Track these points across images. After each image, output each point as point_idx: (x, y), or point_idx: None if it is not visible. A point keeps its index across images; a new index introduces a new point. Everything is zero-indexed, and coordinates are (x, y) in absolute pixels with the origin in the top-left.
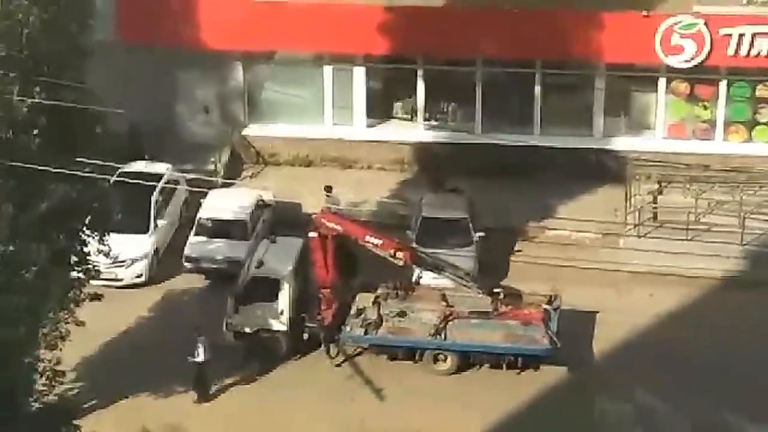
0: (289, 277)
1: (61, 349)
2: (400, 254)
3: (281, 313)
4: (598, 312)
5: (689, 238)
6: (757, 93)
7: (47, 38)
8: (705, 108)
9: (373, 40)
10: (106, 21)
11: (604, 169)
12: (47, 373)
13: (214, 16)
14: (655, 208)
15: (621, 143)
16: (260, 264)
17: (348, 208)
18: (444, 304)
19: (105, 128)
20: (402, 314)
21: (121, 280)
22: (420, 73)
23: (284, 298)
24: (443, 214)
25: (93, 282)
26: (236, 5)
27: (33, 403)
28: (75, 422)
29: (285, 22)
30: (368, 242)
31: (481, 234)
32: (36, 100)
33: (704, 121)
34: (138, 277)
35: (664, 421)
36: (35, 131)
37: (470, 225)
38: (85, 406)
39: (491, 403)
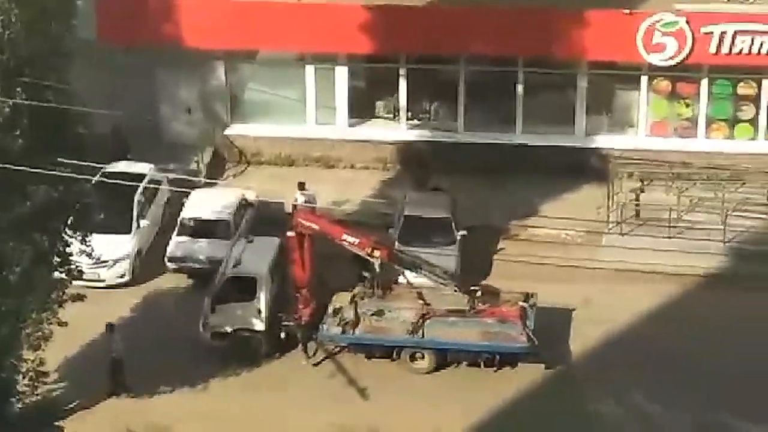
0: (267, 276)
1: (43, 350)
2: (377, 253)
3: (259, 312)
4: (574, 309)
5: (672, 235)
6: (739, 91)
7: (29, 39)
8: (687, 106)
9: (356, 39)
10: (90, 20)
11: (587, 168)
12: (30, 374)
13: (195, 16)
14: (637, 205)
15: (603, 141)
16: (237, 263)
17: (328, 207)
18: (421, 302)
19: (87, 128)
20: (379, 313)
21: (103, 280)
22: (402, 72)
23: (262, 297)
24: (426, 213)
25: (75, 282)
26: (218, 4)
27: (15, 404)
28: (57, 423)
29: (267, 22)
30: (345, 241)
31: (464, 233)
32: (18, 101)
33: (686, 119)
34: (121, 277)
35: (649, 419)
36: (17, 132)
37: (453, 224)
38: (68, 407)
39: (472, 400)
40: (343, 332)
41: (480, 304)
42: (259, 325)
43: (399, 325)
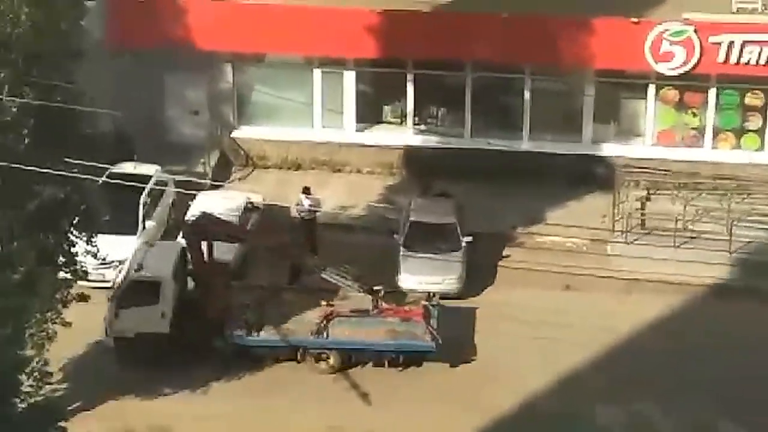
0: (170, 279)
1: (47, 350)
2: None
3: (162, 315)
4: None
5: (677, 245)
6: (746, 101)
7: (37, 38)
8: (694, 115)
9: (364, 44)
10: (99, 21)
11: (593, 176)
12: (35, 374)
13: (203, 18)
14: (643, 214)
15: (610, 149)
16: (140, 267)
17: (334, 211)
18: (325, 302)
19: (94, 129)
20: (284, 314)
21: (108, 281)
22: (410, 77)
23: (165, 300)
24: (431, 219)
25: (80, 283)
26: (226, 7)
27: (19, 404)
28: (61, 424)
29: (275, 25)
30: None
31: (469, 239)
32: (25, 101)
33: (693, 129)
34: None
35: (653, 427)
36: (24, 131)
37: (458, 230)
38: (71, 407)
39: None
40: (249, 334)
41: (384, 304)
42: (164, 328)
43: (303, 326)
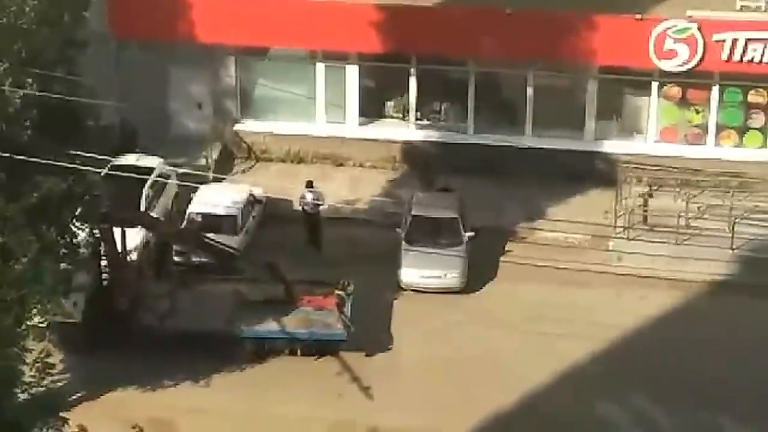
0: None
1: (49, 341)
2: None
3: (75, 304)
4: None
5: (679, 242)
6: (750, 98)
7: (41, 29)
8: (697, 112)
9: (367, 39)
10: (103, 13)
11: (596, 172)
12: (37, 364)
13: (207, 11)
14: (645, 211)
15: (612, 146)
16: None
17: (336, 205)
18: (237, 291)
19: (97, 121)
20: (196, 302)
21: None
22: (413, 72)
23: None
24: (433, 213)
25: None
26: (230, 0)
27: (20, 395)
28: (62, 415)
29: (279, 18)
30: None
31: (471, 234)
32: (28, 92)
33: (696, 126)
34: None
35: (652, 423)
36: (27, 123)
37: (460, 224)
38: (72, 398)
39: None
40: (160, 323)
41: (296, 293)
42: (77, 317)
43: (216, 315)
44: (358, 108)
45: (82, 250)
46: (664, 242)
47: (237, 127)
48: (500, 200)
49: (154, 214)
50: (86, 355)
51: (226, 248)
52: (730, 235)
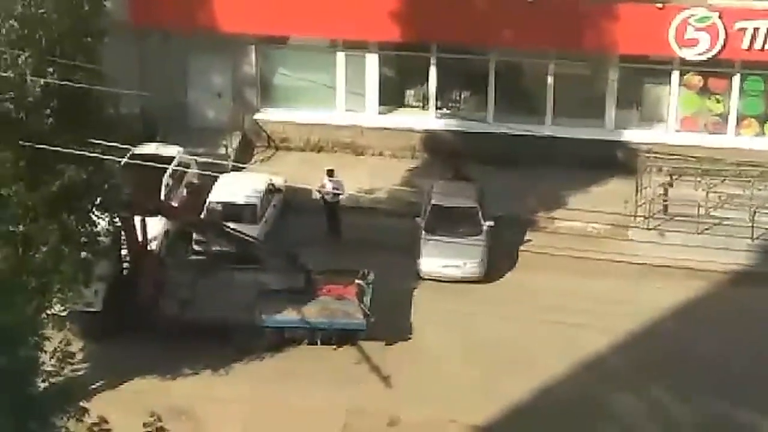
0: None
1: (69, 330)
2: None
3: (96, 293)
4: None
5: (699, 231)
6: None
7: (61, 18)
8: (718, 101)
9: (387, 27)
10: (122, 2)
11: (616, 161)
12: (57, 353)
13: (227, 0)
14: (665, 200)
15: (633, 135)
16: None
17: (356, 194)
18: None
19: (117, 110)
20: (217, 291)
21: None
22: (433, 61)
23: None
24: (453, 203)
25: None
26: None
27: (41, 384)
28: (82, 404)
29: (299, 7)
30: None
31: (491, 223)
32: (49, 81)
33: (717, 115)
34: None
35: (670, 414)
36: (47, 112)
37: (480, 214)
38: (92, 387)
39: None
40: (182, 311)
41: (316, 282)
42: (97, 306)
43: (235, 305)
44: (378, 97)
45: (102, 239)
46: (684, 232)
47: (257, 116)
48: (519, 189)
49: (174, 203)
50: (106, 344)
51: (247, 237)
52: (751, 224)
